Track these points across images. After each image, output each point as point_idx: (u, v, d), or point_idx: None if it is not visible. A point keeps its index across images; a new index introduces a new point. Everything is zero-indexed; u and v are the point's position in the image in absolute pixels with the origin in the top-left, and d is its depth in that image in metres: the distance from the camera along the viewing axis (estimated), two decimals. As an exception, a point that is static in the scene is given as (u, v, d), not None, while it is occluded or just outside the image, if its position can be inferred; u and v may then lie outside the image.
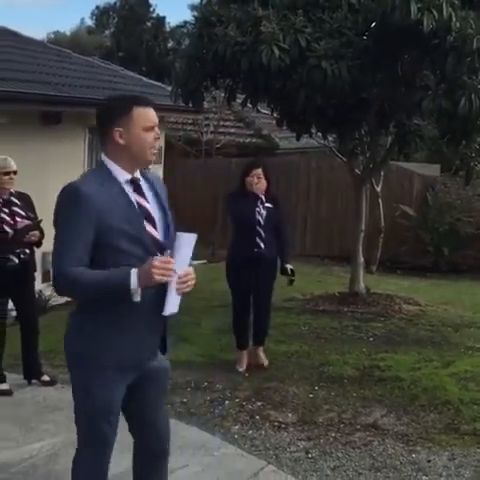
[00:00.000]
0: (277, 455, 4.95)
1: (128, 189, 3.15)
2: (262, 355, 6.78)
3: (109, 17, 43.27)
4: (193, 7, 36.70)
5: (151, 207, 3.21)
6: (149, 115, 3.16)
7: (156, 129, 3.18)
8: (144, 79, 14.22)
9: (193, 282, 3.14)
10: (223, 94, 9.78)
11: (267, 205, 6.52)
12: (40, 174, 9.44)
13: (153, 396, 3.43)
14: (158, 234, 3.20)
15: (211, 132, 16.20)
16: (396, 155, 10.05)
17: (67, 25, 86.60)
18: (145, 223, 3.15)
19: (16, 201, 5.94)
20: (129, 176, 3.16)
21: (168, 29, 42.30)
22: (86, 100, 10.39)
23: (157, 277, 2.97)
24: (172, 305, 3.09)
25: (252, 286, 6.53)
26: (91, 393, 3.19)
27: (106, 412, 3.24)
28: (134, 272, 2.98)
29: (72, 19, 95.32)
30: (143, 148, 3.14)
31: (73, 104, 10.20)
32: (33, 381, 6.11)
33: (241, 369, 6.62)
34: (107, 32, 43.46)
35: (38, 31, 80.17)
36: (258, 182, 6.46)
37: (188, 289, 3.11)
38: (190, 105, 8.75)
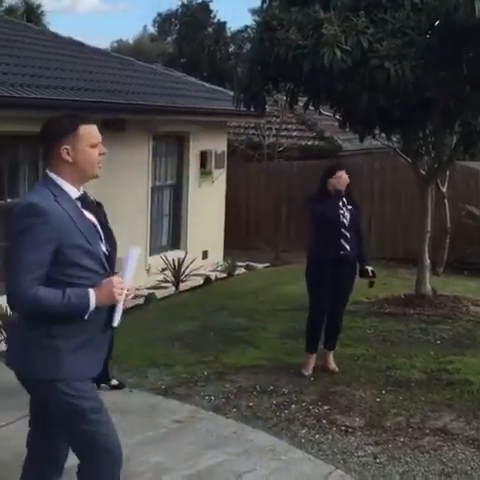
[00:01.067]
0: (345, 460, 4.93)
1: (78, 204, 3.23)
2: (332, 360, 6.74)
3: (171, 24, 43.70)
4: (254, 11, 36.76)
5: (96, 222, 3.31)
6: (94, 132, 3.25)
7: (100, 145, 3.26)
8: (206, 85, 14.32)
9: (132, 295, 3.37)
10: (285, 97, 9.79)
11: (349, 207, 6.53)
12: (106, 182, 9.58)
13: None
14: (107, 249, 3.30)
15: (273, 135, 16.20)
16: (461, 155, 9.88)
17: (130, 33, 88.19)
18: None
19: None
20: (77, 192, 3.24)
21: (229, 34, 42.51)
22: (150, 107, 10.56)
23: (118, 297, 3.15)
24: (119, 316, 3.24)
25: (332, 289, 6.48)
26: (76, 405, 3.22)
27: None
28: (92, 292, 3.10)
29: (135, 27, 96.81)
30: (90, 164, 3.24)
31: (137, 111, 10.36)
32: (102, 385, 6.20)
33: (307, 373, 6.59)
34: (169, 39, 43.89)
35: (101, 40, 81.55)
36: (341, 183, 6.45)
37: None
38: (252, 109, 8.78)
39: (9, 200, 8.94)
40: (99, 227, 3.29)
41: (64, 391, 3.17)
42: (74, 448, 3.34)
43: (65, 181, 3.20)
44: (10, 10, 20.57)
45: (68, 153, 3.18)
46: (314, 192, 6.71)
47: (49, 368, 3.15)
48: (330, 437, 5.30)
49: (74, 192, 3.22)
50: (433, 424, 5.51)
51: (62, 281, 3.10)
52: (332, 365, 6.70)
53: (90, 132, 3.23)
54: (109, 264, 3.26)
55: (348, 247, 6.44)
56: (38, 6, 21.51)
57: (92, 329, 3.20)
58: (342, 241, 6.43)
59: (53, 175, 3.21)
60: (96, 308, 3.13)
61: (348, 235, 6.44)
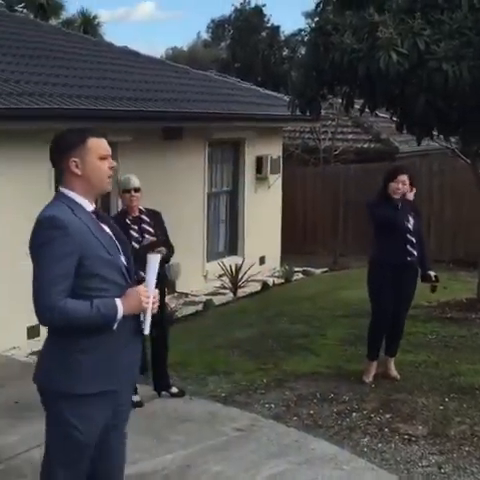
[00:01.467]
0: (408, 469, 4.85)
1: (93, 216, 3.24)
2: (393, 367, 6.65)
3: (224, 29, 43.91)
4: (307, 14, 36.73)
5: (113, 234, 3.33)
6: (103, 145, 3.25)
7: (110, 158, 3.26)
8: (261, 90, 14.33)
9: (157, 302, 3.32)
10: (340, 101, 9.73)
11: (412, 212, 6.46)
12: (163, 189, 9.70)
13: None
14: (125, 260, 3.31)
15: (329, 139, 16.12)
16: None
17: (184, 40, 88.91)
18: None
19: (146, 218, 6.09)
20: (91, 206, 3.26)
21: (283, 38, 42.48)
22: (206, 115, 10.62)
23: (145, 305, 3.17)
24: (149, 323, 3.26)
25: (394, 294, 6.38)
26: (74, 428, 3.17)
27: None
28: (119, 302, 3.12)
29: (188, 34, 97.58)
30: (100, 177, 3.23)
31: (193, 119, 10.43)
32: (163, 393, 6.26)
33: (368, 380, 6.52)
34: (223, 44, 44.11)
35: (156, 47, 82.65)
36: (401, 189, 6.34)
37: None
38: (308, 114, 8.75)
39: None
40: (115, 239, 3.30)
41: (68, 405, 3.15)
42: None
43: (77, 194, 3.20)
44: (68, 22, 20.95)
45: (77, 166, 3.18)
46: (375, 196, 6.63)
47: (68, 383, 3.14)
48: (393, 446, 5.23)
49: (88, 205, 3.23)
50: (499, 433, 5.39)
51: (83, 295, 3.10)
52: (393, 372, 6.61)
53: (99, 145, 3.23)
54: (129, 275, 3.28)
55: (415, 252, 6.36)
56: (94, 17, 21.83)
57: (117, 341, 3.18)
58: (408, 246, 6.34)
59: (65, 190, 3.22)
60: (122, 318, 3.14)
61: (414, 240, 6.36)
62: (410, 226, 6.36)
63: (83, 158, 3.18)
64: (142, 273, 5.98)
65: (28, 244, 3.13)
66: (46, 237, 3.06)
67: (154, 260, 3.34)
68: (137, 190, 6.02)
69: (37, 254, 3.08)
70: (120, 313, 3.11)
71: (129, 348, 3.25)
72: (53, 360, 3.20)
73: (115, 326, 3.12)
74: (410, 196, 6.44)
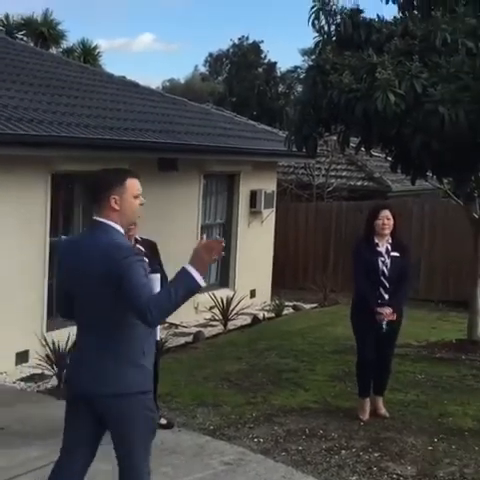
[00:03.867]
0: (396, 509, 4.83)
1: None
2: (382, 405, 6.63)
3: (222, 64, 44.42)
4: (304, 52, 37.26)
5: None
6: (137, 185, 3.73)
7: (141, 197, 3.75)
8: (257, 125, 14.48)
9: None
10: (335, 138, 9.83)
11: (393, 254, 6.36)
12: (158, 219, 9.73)
13: None
14: None
15: (322, 175, 16.25)
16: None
17: (181, 72, 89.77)
18: None
19: (141, 249, 6.11)
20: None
21: (279, 74, 42.98)
22: (201, 147, 10.70)
23: (214, 257, 3.47)
24: (159, 331, 3.96)
25: (376, 334, 6.35)
26: (152, 411, 3.76)
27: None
28: (190, 267, 3.44)
29: (186, 66, 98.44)
30: (132, 212, 3.73)
31: (189, 151, 10.51)
32: (151, 424, 6.22)
33: (364, 418, 6.45)
34: (220, 78, 44.59)
35: (153, 78, 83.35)
36: (387, 224, 6.33)
37: None
38: (304, 151, 8.84)
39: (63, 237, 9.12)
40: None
41: (147, 405, 3.70)
42: (136, 461, 3.70)
43: (116, 224, 3.67)
44: (68, 51, 21.10)
45: (116, 202, 3.65)
46: (360, 236, 6.66)
47: (140, 383, 3.65)
48: (381, 485, 5.21)
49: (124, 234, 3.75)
50: (487, 475, 5.38)
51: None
52: (382, 410, 6.60)
53: (134, 184, 3.70)
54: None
55: (386, 296, 6.29)
56: (95, 47, 22.01)
57: (153, 347, 3.82)
58: (381, 290, 6.30)
59: (105, 220, 3.66)
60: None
61: (387, 284, 6.30)
62: (385, 269, 6.30)
63: (121, 196, 3.66)
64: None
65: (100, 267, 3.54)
66: (130, 258, 3.54)
67: (155, 279, 3.75)
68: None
69: (127, 273, 3.49)
70: (197, 277, 3.42)
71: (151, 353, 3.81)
72: (129, 367, 3.62)
73: (203, 284, 3.46)
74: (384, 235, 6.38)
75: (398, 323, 6.49)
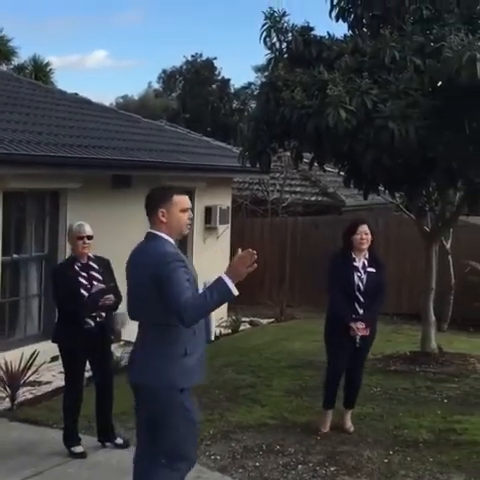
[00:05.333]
0: (353, 523, 4.84)
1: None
2: (349, 419, 6.64)
3: (175, 80, 44.45)
4: (257, 69, 37.49)
5: None
6: (185, 200, 4.28)
7: (189, 211, 4.26)
8: (211, 141, 14.52)
9: None
10: (289, 154, 9.90)
11: (369, 270, 6.41)
12: (112, 236, 9.66)
13: None
14: None
15: (277, 191, 16.34)
16: (466, 212, 9.94)
17: (135, 89, 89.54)
18: None
19: (94, 265, 6.09)
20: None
21: (232, 90, 43.17)
22: (155, 164, 10.68)
23: (249, 269, 3.97)
24: (213, 331, 4.08)
25: (349, 348, 6.39)
26: (190, 412, 4.18)
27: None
28: (226, 277, 3.92)
29: (139, 83, 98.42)
30: (179, 224, 4.24)
31: (142, 168, 10.48)
32: (107, 444, 6.15)
33: (325, 430, 6.48)
34: (173, 95, 44.60)
35: (107, 95, 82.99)
36: (365, 239, 6.37)
37: None
38: (257, 167, 8.88)
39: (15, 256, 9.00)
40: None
41: (181, 400, 4.12)
42: (160, 449, 4.17)
43: (165, 235, 4.19)
44: (19, 68, 20.88)
45: (163, 215, 4.19)
46: (338, 250, 6.65)
47: (177, 379, 4.08)
48: (338, 499, 5.22)
49: (174, 243, 4.23)
50: (442, 486, 5.44)
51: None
52: (348, 424, 6.60)
53: (181, 200, 4.25)
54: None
55: (361, 311, 6.36)
56: (47, 64, 21.82)
57: (201, 346, 4.21)
58: (355, 304, 6.36)
59: (155, 231, 4.22)
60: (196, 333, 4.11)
61: (362, 299, 6.36)
62: (361, 284, 6.36)
63: (168, 210, 4.20)
64: (89, 320, 5.97)
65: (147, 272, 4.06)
66: (173, 264, 4.03)
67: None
68: (90, 238, 6.06)
69: (167, 278, 3.98)
70: (231, 286, 3.92)
71: (204, 351, 4.27)
72: (169, 363, 4.09)
73: (236, 293, 3.94)
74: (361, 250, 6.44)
75: (371, 338, 6.53)
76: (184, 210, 4.24)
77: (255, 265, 3.97)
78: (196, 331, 4.14)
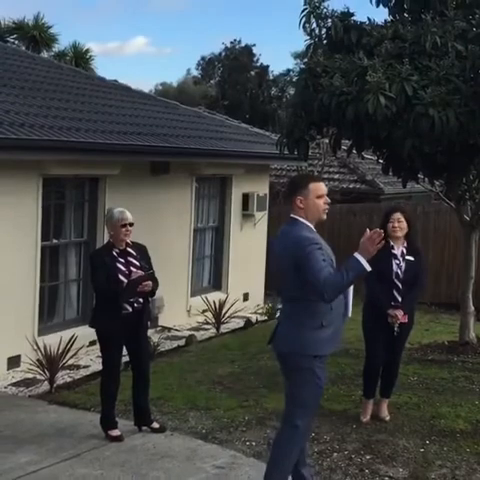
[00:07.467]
0: (388, 511, 4.83)
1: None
2: (385, 408, 6.63)
3: (214, 67, 44.41)
4: (296, 55, 37.30)
5: None
6: (320, 187, 4.57)
7: (325, 197, 4.54)
8: (249, 128, 14.48)
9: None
10: (327, 141, 9.84)
11: (408, 258, 6.40)
12: (150, 223, 9.73)
13: None
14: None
15: (315, 178, 16.23)
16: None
17: (174, 76, 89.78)
18: None
19: (132, 251, 6.12)
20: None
21: (271, 77, 43.03)
22: (193, 150, 10.69)
23: (375, 247, 4.23)
24: (351, 308, 4.63)
25: (387, 337, 6.38)
26: (319, 379, 4.52)
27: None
28: (359, 255, 4.23)
29: (178, 70, 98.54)
30: (316, 210, 4.54)
31: (181, 154, 10.50)
32: (143, 428, 6.22)
33: (365, 420, 6.48)
34: (212, 82, 44.59)
35: (146, 82, 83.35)
36: (398, 227, 6.35)
37: None
38: (295, 154, 8.84)
39: (55, 241, 9.11)
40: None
41: (312, 366, 4.46)
42: (288, 411, 4.61)
43: (304, 220, 4.50)
44: (59, 55, 21.03)
45: (301, 202, 4.51)
46: None
47: (311, 347, 4.45)
48: (373, 487, 5.21)
49: (313, 227, 4.54)
50: (479, 477, 5.39)
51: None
52: (384, 413, 6.59)
53: (317, 187, 4.54)
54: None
55: (399, 299, 6.34)
56: (86, 51, 21.94)
57: (338, 320, 4.53)
58: (394, 291, 6.34)
59: (295, 216, 4.53)
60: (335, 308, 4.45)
61: (400, 286, 6.35)
62: (400, 271, 6.35)
63: (305, 197, 4.51)
64: (126, 306, 6.03)
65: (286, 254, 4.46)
66: (309, 249, 4.35)
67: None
68: (132, 224, 6.06)
69: (306, 260, 4.33)
70: (364, 262, 4.24)
71: (340, 325, 4.61)
72: (305, 333, 4.46)
73: (369, 268, 4.28)
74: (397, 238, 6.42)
75: (409, 326, 6.52)
76: (320, 196, 4.52)
77: (383, 242, 4.27)
78: (333, 306, 4.44)
